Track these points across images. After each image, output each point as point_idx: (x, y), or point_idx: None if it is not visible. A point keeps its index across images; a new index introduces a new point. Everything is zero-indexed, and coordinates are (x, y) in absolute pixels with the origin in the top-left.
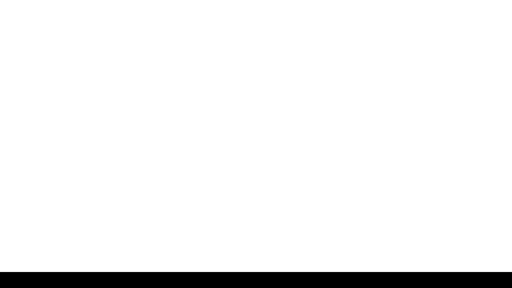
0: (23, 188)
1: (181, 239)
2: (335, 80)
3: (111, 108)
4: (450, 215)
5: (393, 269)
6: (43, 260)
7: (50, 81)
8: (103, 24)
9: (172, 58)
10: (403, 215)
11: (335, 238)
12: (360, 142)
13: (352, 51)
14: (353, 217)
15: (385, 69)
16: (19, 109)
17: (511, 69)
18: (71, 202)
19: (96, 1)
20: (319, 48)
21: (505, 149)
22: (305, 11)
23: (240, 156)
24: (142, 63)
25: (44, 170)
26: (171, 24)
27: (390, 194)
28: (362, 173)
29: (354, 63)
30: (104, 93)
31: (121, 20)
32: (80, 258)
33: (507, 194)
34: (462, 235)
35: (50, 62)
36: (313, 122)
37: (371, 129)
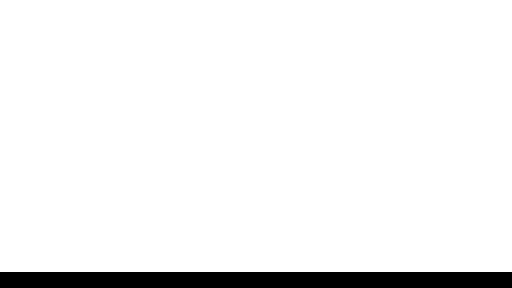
0: (23, 188)
1: (181, 239)
2: (335, 80)
3: (111, 108)
4: (450, 215)
5: (393, 269)
6: (43, 260)
7: (50, 81)
8: (103, 24)
9: (172, 58)
10: (403, 215)
11: (335, 238)
12: (360, 142)
13: (352, 52)
14: (353, 217)
15: (385, 69)
16: (19, 109)
17: (511, 69)
18: (71, 202)
19: (96, 1)
20: (319, 49)
21: (505, 149)
22: (305, 11)
23: (240, 156)
24: (142, 63)
25: (44, 170)
26: (171, 24)
27: (390, 194)
28: (362, 173)
29: (354, 63)
30: (104, 93)
31: (121, 20)
32: (80, 258)
33: (507, 194)
34: (462, 235)
35: (50, 62)
36: (313, 123)
37: (371, 130)
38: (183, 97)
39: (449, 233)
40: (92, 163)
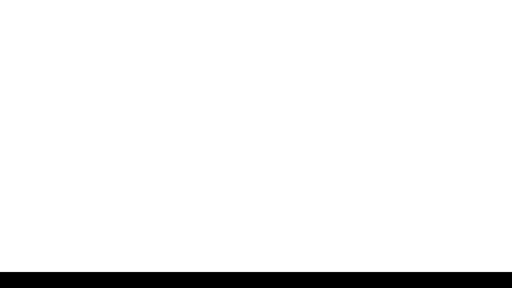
0: (23, 188)
1: (181, 239)
2: (335, 80)
3: (111, 108)
4: (450, 215)
5: (393, 269)
6: (43, 260)
7: (51, 81)
8: (103, 24)
9: (172, 58)
10: (403, 215)
11: (335, 238)
12: (360, 142)
13: (352, 51)
14: (353, 217)
15: (385, 69)
16: (20, 109)
17: (511, 69)
18: (71, 202)
19: (96, 1)
20: (319, 48)
21: (505, 149)
22: (305, 10)
23: (239, 156)
24: (142, 63)
25: (44, 170)
26: (171, 24)
27: (390, 194)
28: (362, 173)
29: (354, 63)
30: (104, 93)
31: (121, 20)
32: (81, 258)
33: (507, 194)
34: (462, 235)
35: (50, 62)
36: (313, 122)
37: (371, 129)
38: (183, 97)
39: (449, 233)
40: (92, 163)
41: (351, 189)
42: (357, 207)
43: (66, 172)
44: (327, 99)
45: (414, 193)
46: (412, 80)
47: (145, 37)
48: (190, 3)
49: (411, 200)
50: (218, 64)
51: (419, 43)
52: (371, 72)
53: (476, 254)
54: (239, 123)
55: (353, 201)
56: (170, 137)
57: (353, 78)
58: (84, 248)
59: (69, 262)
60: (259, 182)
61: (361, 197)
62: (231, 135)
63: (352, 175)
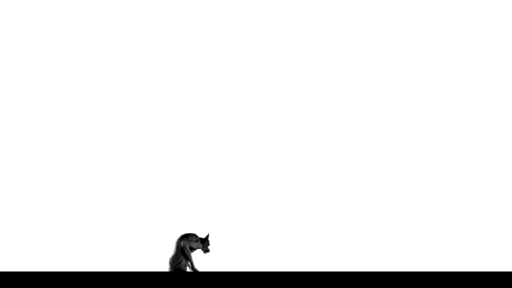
0: (23, 187)
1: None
2: (335, 80)
3: (111, 108)
4: (450, 215)
5: (393, 269)
6: (43, 260)
7: (51, 81)
8: (103, 25)
9: (172, 58)
10: (403, 215)
11: (335, 238)
12: (360, 142)
13: (352, 52)
14: (353, 217)
15: (385, 69)
16: (20, 109)
17: (511, 69)
18: (70, 202)
19: (97, 2)
20: (320, 49)
21: (505, 149)
22: (305, 11)
23: (240, 156)
24: (142, 64)
25: (44, 170)
26: (172, 25)
27: (390, 194)
28: (362, 173)
29: (354, 63)
30: (104, 94)
31: (121, 20)
32: (79, 258)
33: (507, 194)
34: (462, 235)
35: (50, 62)
36: (313, 122)
37: (372, 130)
38: (183, 98)
39: (449, 233)
40: (92, 163)
41: (351, 189)
42: (357, 207)
43: (66, 172)
44: (326, 99)
45: (414, 193)
46: (412, 80)
47: (146, 38)
48: (191, 4)
49: (411, 200)
50: (218, 64)
51: (419, 44)
52: (371, 73)
53: (476, 254)
54: (239, 123)
55: (353, 201)
56: (170, 136)
57: (353, 79)
58: (84, 248)
59: (69, 262)
60: (259, 182)
61: (361, 197)
62: (231, 135)
63: (352, 175)
